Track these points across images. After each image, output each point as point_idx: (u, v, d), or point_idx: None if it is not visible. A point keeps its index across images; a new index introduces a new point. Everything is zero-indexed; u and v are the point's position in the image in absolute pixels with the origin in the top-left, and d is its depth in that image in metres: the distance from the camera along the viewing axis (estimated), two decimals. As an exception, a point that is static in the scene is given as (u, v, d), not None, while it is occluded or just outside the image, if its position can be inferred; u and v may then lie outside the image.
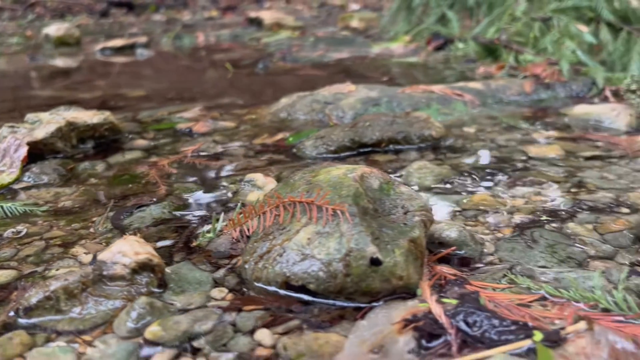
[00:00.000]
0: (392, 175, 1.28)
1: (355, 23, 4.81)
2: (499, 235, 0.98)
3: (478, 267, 0.87)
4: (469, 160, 1.38)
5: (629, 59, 2.44)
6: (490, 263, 0.88)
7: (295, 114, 1.79)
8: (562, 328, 0.67)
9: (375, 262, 0.73)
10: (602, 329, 0.65)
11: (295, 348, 0.67)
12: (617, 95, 1.89)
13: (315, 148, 1.45)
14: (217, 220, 1.00)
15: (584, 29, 2.47)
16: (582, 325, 0.67)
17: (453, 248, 0.87)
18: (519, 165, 1.33)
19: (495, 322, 0.68)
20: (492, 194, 1.16)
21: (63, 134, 1.50)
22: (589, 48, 2.65)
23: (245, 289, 0.82)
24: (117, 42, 4.21)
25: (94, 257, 0.81)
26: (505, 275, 0.82)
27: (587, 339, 0.65)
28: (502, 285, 0.79)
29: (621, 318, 0.68)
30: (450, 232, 0.91)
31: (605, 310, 0.71)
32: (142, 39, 4.39)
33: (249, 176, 1.20)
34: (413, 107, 1.79)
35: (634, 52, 2.44)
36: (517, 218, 1.04)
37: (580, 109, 1.63)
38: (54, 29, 4.54)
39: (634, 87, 1.84)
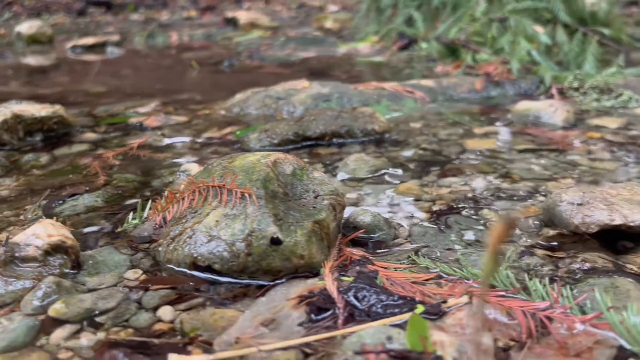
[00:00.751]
0: (330, 166, 1.31)
1: (329, 24, 4.85)
2: (416, 220, 1.02)
3: (388, 249, 0.90)
4: (407, 153, 1.42)
5: (584, 59, 2.51)
6: (401, 245, 0.92)
7: (247, 109, 1.82)
8: (444, 302, 0.70)
9: (275, 241, 0.75)
10: (480, 302, 0.69)
11: (191, 323, 0.70)
12: (563, 93, 1.95)
13: (259, 141, 1.48)
14: (143, 207, 1.03)
15: (539, 29, 2.54)
16: (463, 299, 0.70)
17: (361, 230, 0.91)
18: (454, 157, 1.38)
19: (383, 297, 0.71)
20: (421, 183, 1.20)
21: (9, 126, 1.51)
22: (548, 48, 2.73)
23: (158, 271, 0.84)
24: (89, 40, 4.20)
25: (6, 239, 0.83)
26: (409, 257, 0.86)
27: (465, 311, 0.68)
28: (404, 266, 0.83)
29: (503, 293, 0.72)
30: (365, 216, 0.94)
31: (492, 287, 0.75)
32: (114, 38, 4.38)
33: (185, 166, 1.23)
34: (363, 103, 1.83)
35: (588, 53, 2.52)
36: (437, 206, 1.08)
37: (522, 105, 1.68)
38: (26, 27, 4.50)
39: (575, 84, 1.90)
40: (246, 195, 0.81)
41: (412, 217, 1.03)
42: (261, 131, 1.50)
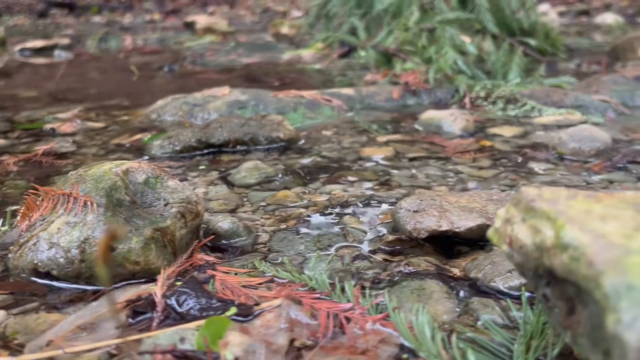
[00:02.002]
0: (225, 173, 1.34)
1: (285, 30, 4.89)
2: (282, 226, 1.06)
3: (241, 254, 0.95)
4: (305, 160, 1.47)
5: (509, 68, 2.61)
6: (255, 251, 0.96)
7: (164, 116, 1.85)
8: (257, 304, 0.75)
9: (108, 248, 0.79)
10: (287, 303, 0.73)
11: (14, 327, 0.73)
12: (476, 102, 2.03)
13: (161, 148, 1.51)
14: (14, 214, 1.05)
15: (466, 39, 2.62)
16: (276, 302, 0.75)
17: (211, 237, 0.95)
18: (347, 164, 1.43)
19: (203, 300, 0.75)
20: (303, 190, 1.24)
21: None
22: (481, 58, 2.82)
23: (6, 277, 0.87)
24: (37, 43, 4.16)
25: None
26: (256, 261, 0.90)
27: (273, 312, 0.73)
28: (245, 270, 0.87)
29: (319, 295, 0.77)
30: (223, 223, 0.98)
31: (312, 289, 0.79)
32: (64, 41, 4.35)
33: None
34: (279, 111, 1.87)
35: (513, 63, 2.61)
36: (308, 212, 1.12)
37: (427, 114, 1.75)
38: (-24, 28, 4.44)
39: (482, 94, 1.98)
40: (88, 203, 0.84)
41: (278, 223, 1.07)
42: (164, 138, 1.53)
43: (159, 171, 0.95)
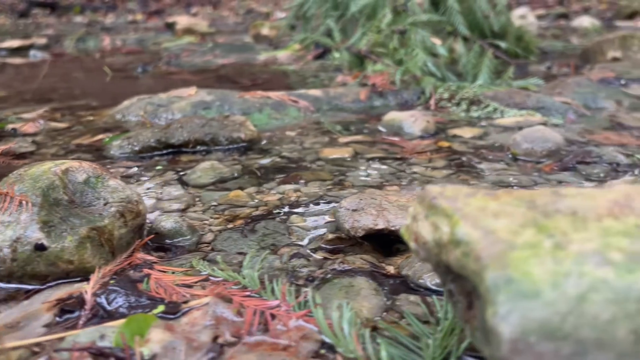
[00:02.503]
0: (181, 173, 1.34)
1: (265, 31, 4.90)
2: (229, 226, 1.07)
3: (183, 254, 0.95)
4: (264, 161, 1.48)
5: (479, 70, 2.64)
6: (198, 250, 0.97)
7: (128, 116, 1.85)
8: (185, 302, 0.76)
9: (39, 247, 0.79)
10: (215, 301, 0.74)
11: (-60, 326, 0.73)
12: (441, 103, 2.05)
13: (120, 148, 1.51)
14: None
15: (437, 41, 2.65)
16: (205, 300, 0.76)
17: (150, 237, 0.95)
18: (305, 165, 1.44)
19: (132, 298, 0.76)
20: (256, 190, 1.25)
21: None
22: (454, 60, 2.85)
23: (-58, 276, 0.86)
24: (14, 43, 4.13)
25: None
26: (194, 260, 0.91)
27: (201, 310, 0.73)
28: (183, 269, 0.88)
29: (249, 293, 0.78)
30: (166, 223, 0.99)
31: (245, 287, 0.80)
32: (41, 41, 4.32)
33: (24, 173, 1.25)
34: (244, 111, 1.88)
35: (483, 65, 2.65)
36: (258, 211, 1.13)
37: (390, 116, 1.77)
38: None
39: (446, 95, 2.00)
40: (23, 202, 0.84)
41: (225, 222, 1.08)
42: (124, 138, 1.53)
43: (100, 171, 0.96)
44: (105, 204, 0.91)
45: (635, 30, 5.05)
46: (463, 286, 0.56)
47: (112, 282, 0.81)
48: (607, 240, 0.47)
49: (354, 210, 0.93)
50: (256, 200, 1.19)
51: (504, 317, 0.44)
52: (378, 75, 2.22)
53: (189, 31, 4.86)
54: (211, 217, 1.11)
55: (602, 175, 1.30)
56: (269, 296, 0.76)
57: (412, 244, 0.60)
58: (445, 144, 1.59)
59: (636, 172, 1.29)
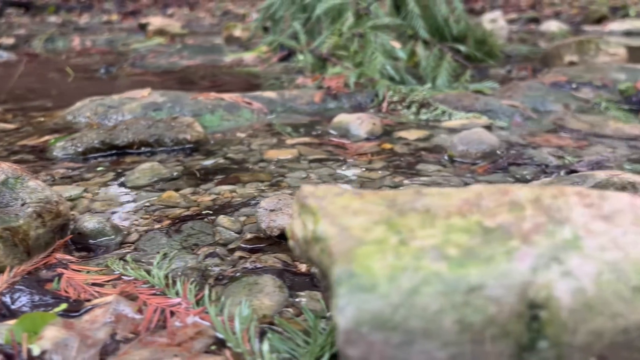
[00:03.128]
0: (121, 174, 1.35)
1: (238, 32, 4.91)
2: (156, 226, 1.08)
3: (104, 253, 0.96)
4: (207, 162, 1.49)
5: (438, 73, 2.69)
6: (119, 250, 0.98)
7: (79, 117, 1.85)
8: (88, 300, 0.77)
9: (-53, 247, 0.80)
10: (117, 299, 0.76)
11: None
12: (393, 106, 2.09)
13: (63, 149, 1.51)
14: None
15: (396, 45, 2.69)
16: (108, 298, 0.77)
17: (70, 236, 0.97)
18: (247, 166, 1.46)
19: (37, 297, 0.77)
20: (192, 191, 1.27)
21: None
22: (416, 64, 2.89)
23: None
24: (-21, 43, 4.07)
25: None
26: (110, 260, 0.92)
27: (103, 308, 0.75)
28: (98, 268, 0.89)
29: (155, 291, 0.80)
30: (88, 223, 1.00)
31: (152, 286, 0.82)
32: (9, 41, 4.27)
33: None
34: (196, 113, 1.89)
35: (442, 68, 2.69)
36: (188, 212, 1.15)
37: (338, 118, 1.79)
38: None
39: (395, 98, 2.04)
40: None
41: (153, 222, 1.10)
42: (68, 140, 1.54)
43: (20, 172, 0.96)
44: (22, 205, 0.92)
45: (600, 35, 5.17)
46: (326, 281, 0.58)
47: (20, 281, 0.82)
48: (448, 237, 0.50)
49: (272, 211, 0.95)
50: (189, 201, 1.21)
51: (341, 310, 0.47)
52: (334, 78, 2.25)
53: (160, 32, 4.85)
54: (141, 218, 1.13)
55: (529, 176, 1.34)
56: (172, 294, 0.78)
57: (290, 242, 0.62)
58: (388, 146, 1.62)
59: (562, 173, 1.33)
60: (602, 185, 1.11)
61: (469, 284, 0.46)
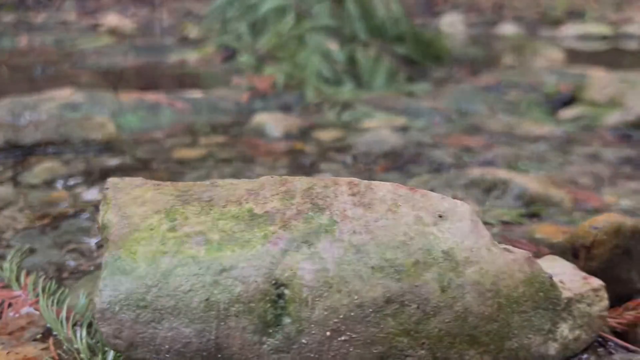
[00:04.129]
0: (19, 174, 1.35)
1: (192, 33, 4.90)
2: (37, 224, 1.09)
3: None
4: (113, 162, 1.50)
5: (376, 74, 2.74)
6: (-12, 249, 0.99)
7: (-6, 117, 1.83)
8: None
9: None
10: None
11: None
12: (318, 107, 2.12)
13: (-35, 148, 1.50)
14: None
15: (333, 46, 2.74)
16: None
17: None
18: (152, 165, 1.47)
19: None
20: (83, 191, 1.28)
21: None
22: (354, 65, 2.94)
23: None
24: None
25: None
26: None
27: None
28: (-45, 266, 0.90)
29: (3, 284, 0.81)
30: (-42, 220, 1.00)
31: (2, 279, 0.83)
32: (-49, 39, 4.17)
33: None
34: (115, 112, 1.89)
35: (380, 69, 2.75)
36: (72, 210, 1.15)
37: (256, 118, 1.82)
38: None
39: (319, 99, 2.08)
40: None
41: (35, 220, 1.10)
42: (-28, 139, 1.52)
43: None
44: None
45: (552, 39, 5.33)
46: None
47: None
48: (216, 223, 0.53)
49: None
50: (77, 201, 1.21)
51: (100, 291, 0.49)
52: (265, 79, 2.28)
53: (112, 32, 4.80)
54: (24, 216, 1.13)
55: (422, 173, 1.39)
56: (17, 287, 0.79)
57: (98, 229, 0.64)
58: (299, 146, 1.65)
59: (451, 171, 1.38)
60: (475, 181, 1.16)
61: (222, 266, 0.49)
